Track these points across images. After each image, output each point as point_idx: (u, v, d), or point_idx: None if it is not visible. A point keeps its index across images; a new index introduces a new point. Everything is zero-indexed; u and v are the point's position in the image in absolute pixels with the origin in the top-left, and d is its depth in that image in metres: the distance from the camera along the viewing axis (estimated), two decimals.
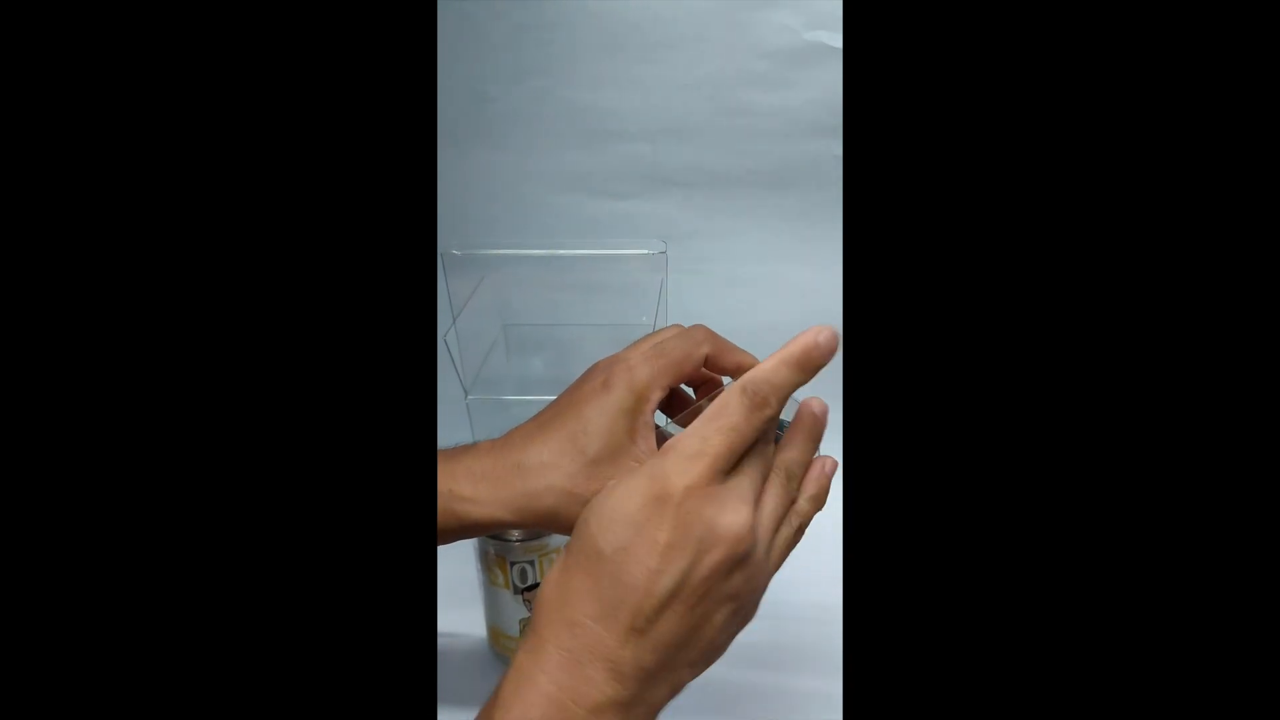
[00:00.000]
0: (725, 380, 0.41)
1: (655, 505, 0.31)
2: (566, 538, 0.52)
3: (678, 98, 0.76)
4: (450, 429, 0.57)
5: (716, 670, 0.36)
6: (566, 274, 0.65)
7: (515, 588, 0.54)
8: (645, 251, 0.57)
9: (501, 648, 0.57)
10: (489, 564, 0.54)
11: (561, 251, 0.60)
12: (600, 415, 0.37)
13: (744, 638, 0.37)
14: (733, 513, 0.31)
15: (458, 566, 0.59)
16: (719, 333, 0.41)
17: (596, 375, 0.39)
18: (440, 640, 0.60)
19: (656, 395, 0.38)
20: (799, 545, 0.38)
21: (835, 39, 0.69)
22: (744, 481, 0.32)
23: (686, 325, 0.41)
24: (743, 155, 0.77)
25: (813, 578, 0.50)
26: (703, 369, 0.40)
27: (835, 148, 0.72)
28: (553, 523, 0.39)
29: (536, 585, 0.53)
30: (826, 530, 0.50)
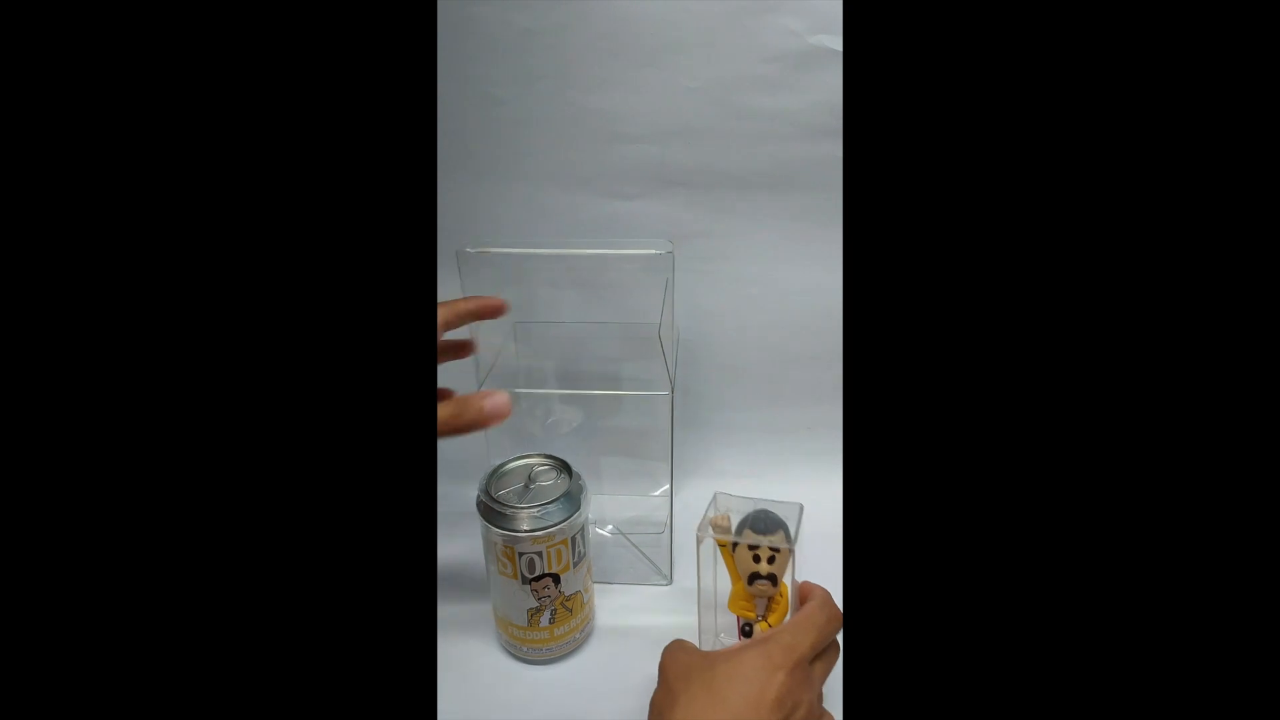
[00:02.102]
0: None
1: (770, 670, 0.43)
2: (572, 529, 0.54)
3: (684, 100, 0.76)
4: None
5: None
6: (575, 272, 0.67)
7: (524, 578, 0.55)
8: (653, 251, 0.59)
9: (510, 636, 0.58)
10: (497, 554, 0.55)
11: (572, 250, 0.61)
12: None
13: None
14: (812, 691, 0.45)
15: (469, 555, 0.60)
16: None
17: None
18: (449, 629, 0.61)
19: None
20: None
21: (839, 43, 0.70)
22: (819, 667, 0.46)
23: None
24: (748, 157, 0.77)
25: (813, 578, 0.52)
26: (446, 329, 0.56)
27: (838, 150, 0.73)
28: None
29: (544, 575, 0.55)
30: (827, 530, 0.51)
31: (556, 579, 0.55)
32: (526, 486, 0.56)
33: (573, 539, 0.55)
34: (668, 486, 0.68)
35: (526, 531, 0.53)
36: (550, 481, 0.57)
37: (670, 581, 0.68)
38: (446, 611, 0.62)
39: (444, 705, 0.52)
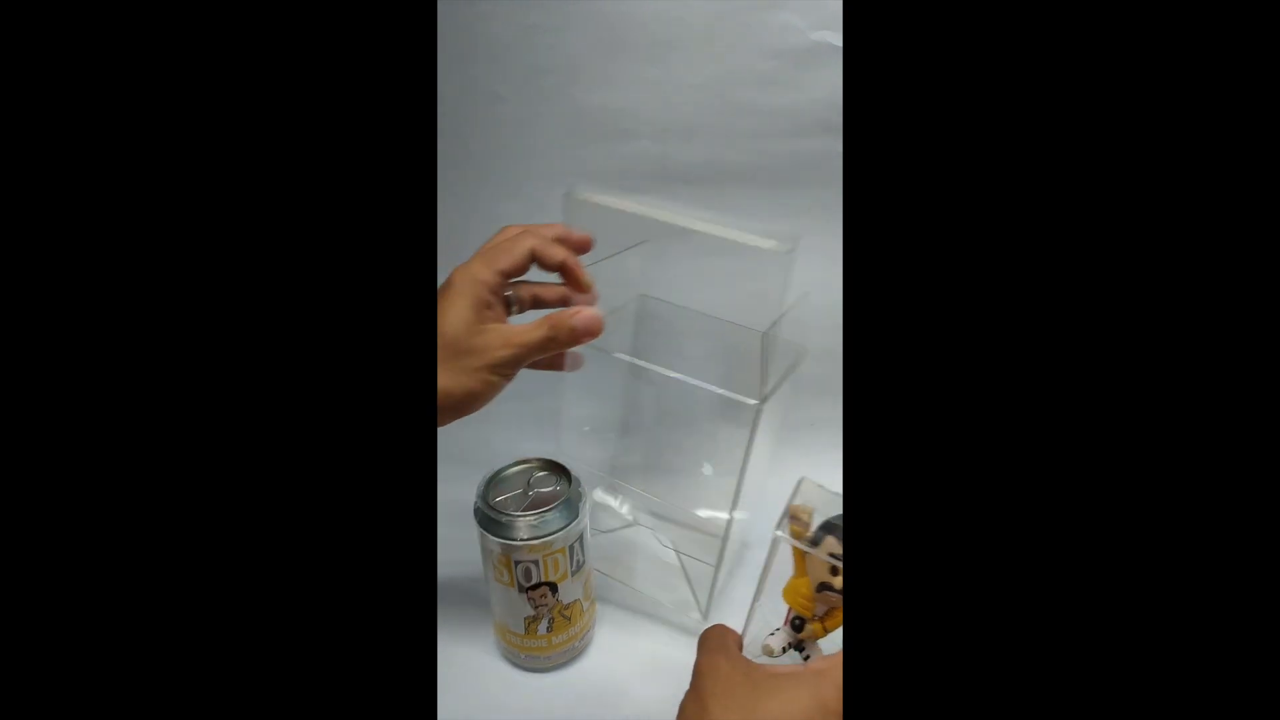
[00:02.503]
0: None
1: (821, 713, 0.38)
2: (570, 537, 0.53)
3: (685, 97, 0.76)
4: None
5: None
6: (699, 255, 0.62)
7: (520, 586, 0.54)
8: (772, 245, 0.54)
9: (508, 644, 0.58)
10: (494, 562, 0.55)
11: (682, 222, 0.54)
12: (451, 309, 0.48)
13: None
14: None
15: (468, 566, 0.59)
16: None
17: (445, 284, 0.50)
18: (451, 633, 0.61)
19: (491, 278, 0.49)
20: None
21: (840, 39, 0.69)
22: None
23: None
24: (749, 153, 0.77)
25: None
26: (535, 263, 0.51)
27: (839, 145, 0.72)
28: (444, 398, 0.48)
29: (541, 584, 0.54)
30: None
31: (554, 588, 0.55)
32: (524, 492, 0.55)
33: (570, 548, 0.54)
34: (726, 516, 0.64)
35: (523, 540, 0.53)
36: (549, 488, 0.56)
37: (705, 621, 0.62)
38: (449, 615, 0.62)
39: (443, 707, 0.52)
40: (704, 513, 0.69)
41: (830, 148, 0.73)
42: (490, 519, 0.53)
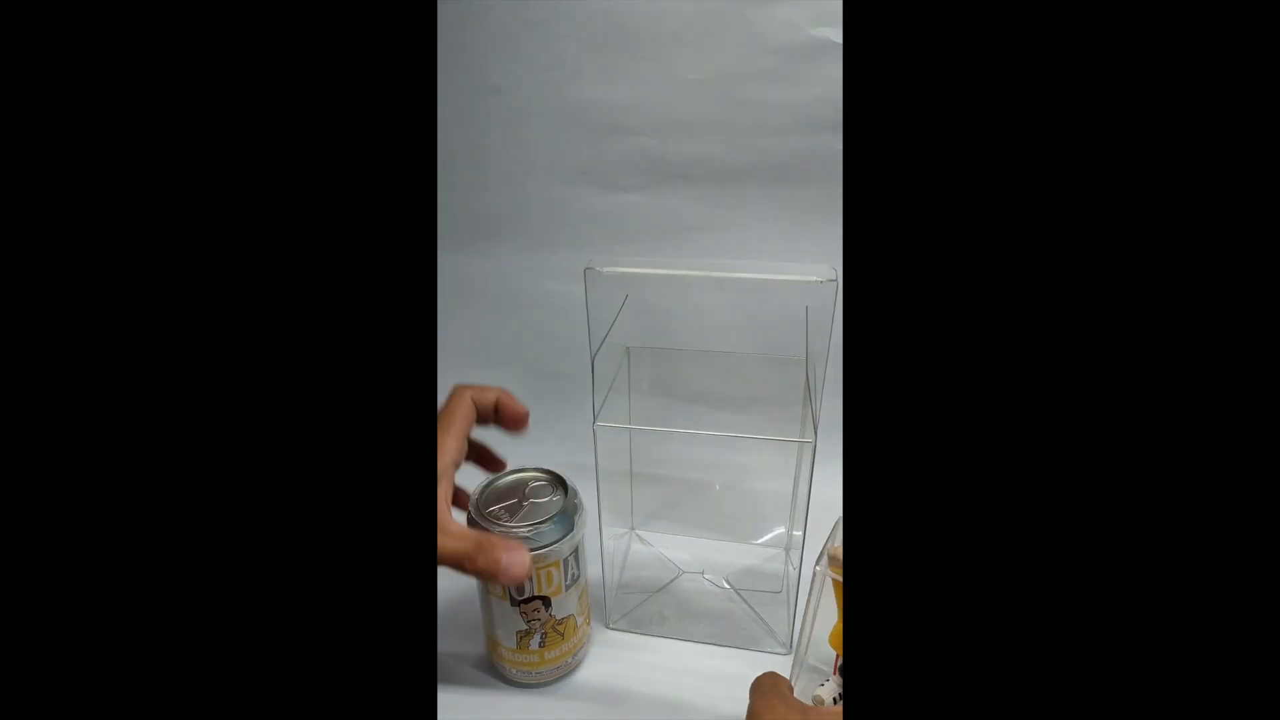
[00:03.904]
0: None
1: None
2: (565, 550, 0.51)
3: (684, 92, 0.76)
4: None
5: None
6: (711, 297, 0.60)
7: (513, 599, 0.53)
8: (813, 279, 0.49)
9: (499, 657, 0.57)
10: None
11: (715, 273, 0.52)
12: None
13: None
14: None
15: (460, 576, 0.58)
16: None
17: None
18: (440, 648, 0.59)
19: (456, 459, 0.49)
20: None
21: (840, 35, 0.68)
22: None
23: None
24: (748, 150, 0.76)
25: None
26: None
27: (839, 143, 0.71)
28: None
29: (533, 598, 0.53)
30: (826, 530, 0.48)
31: (547, 602, 0.53)
32: (519, 503, 0.54)
33: (565, 561, 0.53)
34: (780, 531, 0.62)
35: None
36: (545, 499, 0.54)
37: (790, 650, 0.60)
38: (440, 626, 0.61)
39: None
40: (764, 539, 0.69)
41: (830, 144, 0.72)
42: (482, 529, 0.52)
